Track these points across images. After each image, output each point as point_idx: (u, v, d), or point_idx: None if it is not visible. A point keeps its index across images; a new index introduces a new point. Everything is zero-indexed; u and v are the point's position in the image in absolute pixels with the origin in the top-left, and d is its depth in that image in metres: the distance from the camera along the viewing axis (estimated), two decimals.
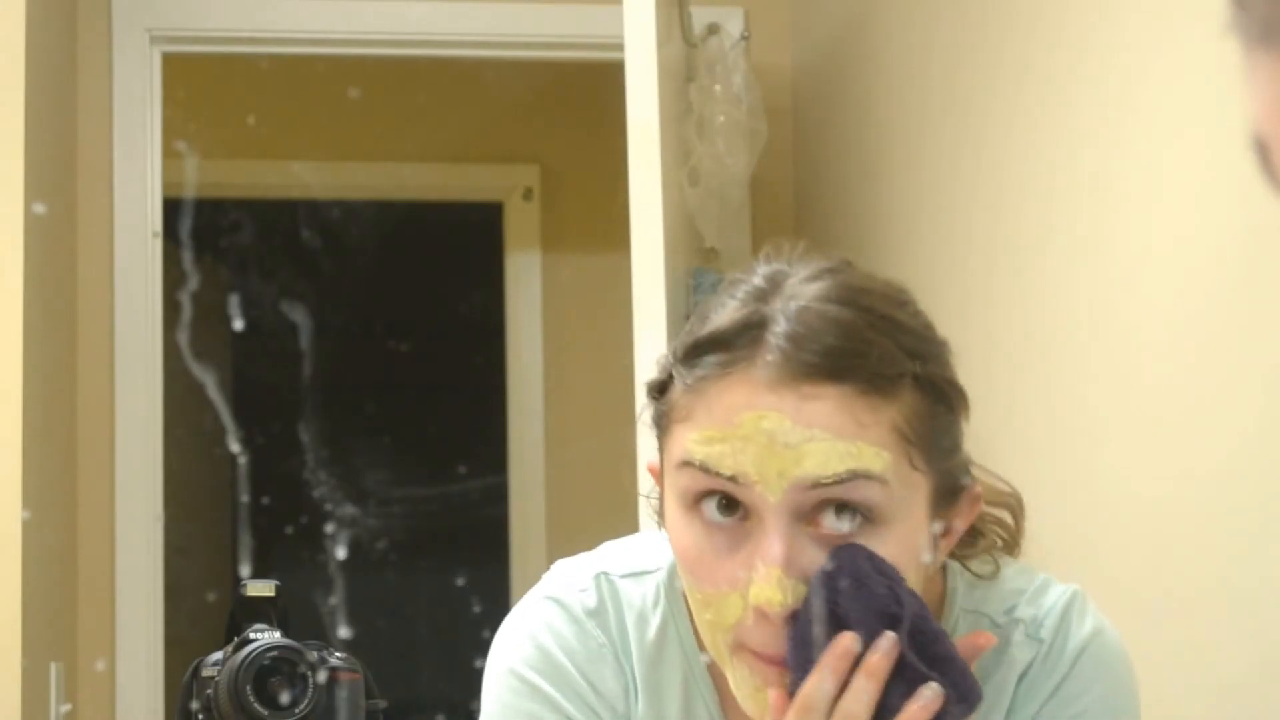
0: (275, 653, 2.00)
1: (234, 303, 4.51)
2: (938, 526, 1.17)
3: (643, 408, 1.23)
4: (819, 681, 1.10)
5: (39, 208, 2.73)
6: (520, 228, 4.33)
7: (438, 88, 4.20)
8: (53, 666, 2.81)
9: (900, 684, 1.11)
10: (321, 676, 2.01)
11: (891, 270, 1.43)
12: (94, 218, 3.20)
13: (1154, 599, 1.83)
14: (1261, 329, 1.67)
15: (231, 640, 2.05)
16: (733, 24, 3.27)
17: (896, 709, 1.10)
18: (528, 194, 4.32)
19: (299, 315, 4.18)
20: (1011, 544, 1.28)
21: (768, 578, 1.10)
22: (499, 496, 4.32)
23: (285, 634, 2.03)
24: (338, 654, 2.08)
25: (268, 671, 1.99)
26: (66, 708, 2.86)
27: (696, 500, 1.15)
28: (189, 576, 3.95)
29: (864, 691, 1.10)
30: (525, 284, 4.28)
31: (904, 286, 1.20)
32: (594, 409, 4.04)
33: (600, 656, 1.25)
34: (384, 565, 4.88)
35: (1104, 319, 2.01)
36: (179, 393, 3.38)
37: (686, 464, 1.14)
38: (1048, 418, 2.15)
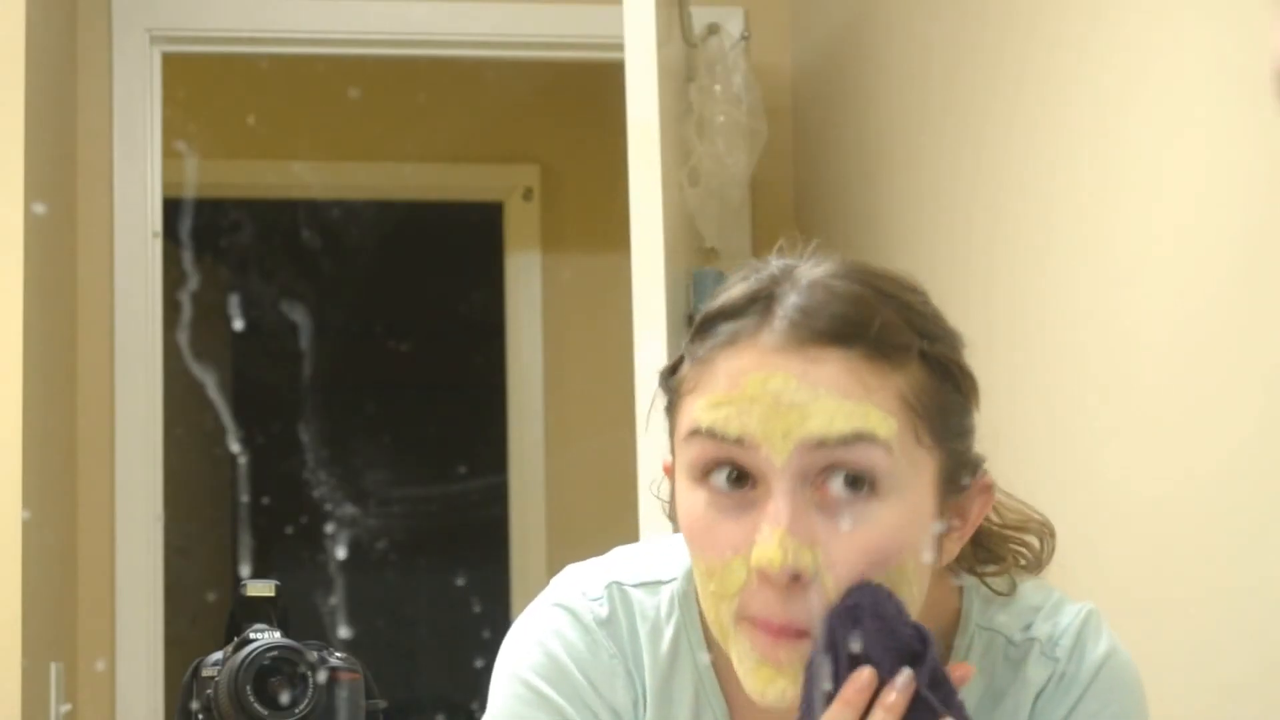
0: (275, 653, 2.00)
1: (234, 303, 4.51)
2: (939, 526, 1.17)
3: (652, 399, 1.23)
4: (839, 715, 1.10)
5: (39, 208, 2.73)
6: (520, 228, 4.33)
7: (438, 88, 4.20)
8: (53, 666, 2.81)
9: (916, 715, 1.11)
10: (321, 676, 2.01)
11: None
12: (94, 218, 3.20)
13: (1154, 599, 1.83)
14: (1261, 329, 1.67)
15: (231, 640, 2.05)
16: (733, 24, 3.27)
17: None
18: (528, 194, 4.32)
19: (299, 315, 4.18)
20: (1034, 566, 1.28)
21: (770, 537, 1.10)
22: (499, 496, 4.32)
23: (285, 634, 2.03)
24: (338, 654, 2.08)
25: (268, 671, 1.99)
26: (66, 708, 2.86)
27: (705, 471, 1.15)
28: (189, 576, 3.96)
29: None
30: (525, 284, 4.28)
31: (917, 281, 1.21)
32: (594, 409, 4.04)
33: (611, 668, 1.25)
34: (384, 565, 4.88)
35: (1104, 319, 2.01)
36: (179, 393, 3.38)
37: (694, 433, 1.15)
38: (1048, 418, 2.15)
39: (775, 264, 1.19)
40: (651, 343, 2.34)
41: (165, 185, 3.28)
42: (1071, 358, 2.10)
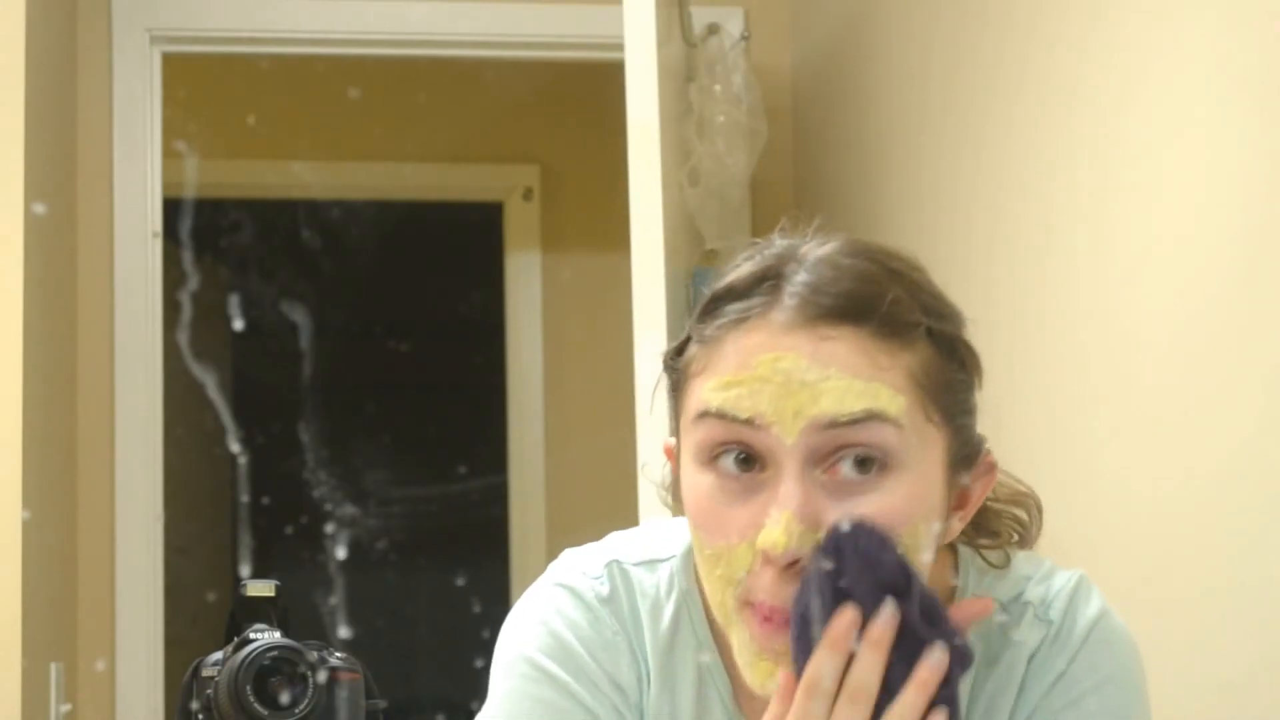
0: (275, 653, 2.00)
1: (234, 303, 4.52)
2: (936, 528, 1.16)
3: (655, 385, 1.23)
4: (823, 657, 1.10)
5: (39, 208, 2.73)
6: (520, 228, 4.33)
7: (438, 88, 4.20)
8: (53, 666, 2.81)
9: (906, 651, 1.11)
10: (321, 676, 2.01)
11: None
12: (94, 218, 3.20)
13: (1154, 599, 1.83)
14: (1261, 329, 1.67)
15: (231, 640, 2.05)
16: (733, 24, 3.27)
17: (904, 676, 1.10)
18: (528, 194, 4.32)
19: (299, 315, 4.18)
20: (1026, 540, 1.29)
21: (777, 521, 1.10)
22: (499, 496, 4.32)
23: (285, 634, 2.03)
24: (338, 654, 2.08)
25: (268, 671, 1.99)
26: (66, 708, 2.86)
27: (713, 454, 1.14)
28: (189, 576, 3.96)
29: (870, 662, 1.10)
30: (525, 284, 4.28)
31: (918, 259, 1.21)
32: (594, 409, 4.05)
33: (615, 645, 1.25)
34: (384, 565, 4.88)
35: (1104, 319, 2.01)
36: (179, 393, 3.38)
37: (703, 415, 1.14)
38: (1048, 418, 2.15)
39: (780, 243, 1.19)
40: (651, 343, 2.34)
41: (165, 185, 3.28)
42: (1071, 358, 2.10)
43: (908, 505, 1.12)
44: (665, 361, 1.21)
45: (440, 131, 4.33)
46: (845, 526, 1.10)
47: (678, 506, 1.22)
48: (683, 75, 3.03)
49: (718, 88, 3.08)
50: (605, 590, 1.26)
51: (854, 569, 1.10)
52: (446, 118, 4.31)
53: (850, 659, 1.10)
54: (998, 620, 1.24)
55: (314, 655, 2.02)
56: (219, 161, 4.22)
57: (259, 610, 2.08)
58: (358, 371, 5.01)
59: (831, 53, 3.20)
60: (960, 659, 1.12)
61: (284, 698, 1.98)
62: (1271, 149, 1.64)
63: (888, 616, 1.10)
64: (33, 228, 2.68)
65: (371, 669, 2.12)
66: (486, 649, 1.30)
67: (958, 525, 1.20)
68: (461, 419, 4.87)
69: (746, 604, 1.13)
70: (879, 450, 1.11)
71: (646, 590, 1.26)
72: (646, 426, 2.13)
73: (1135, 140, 1.94)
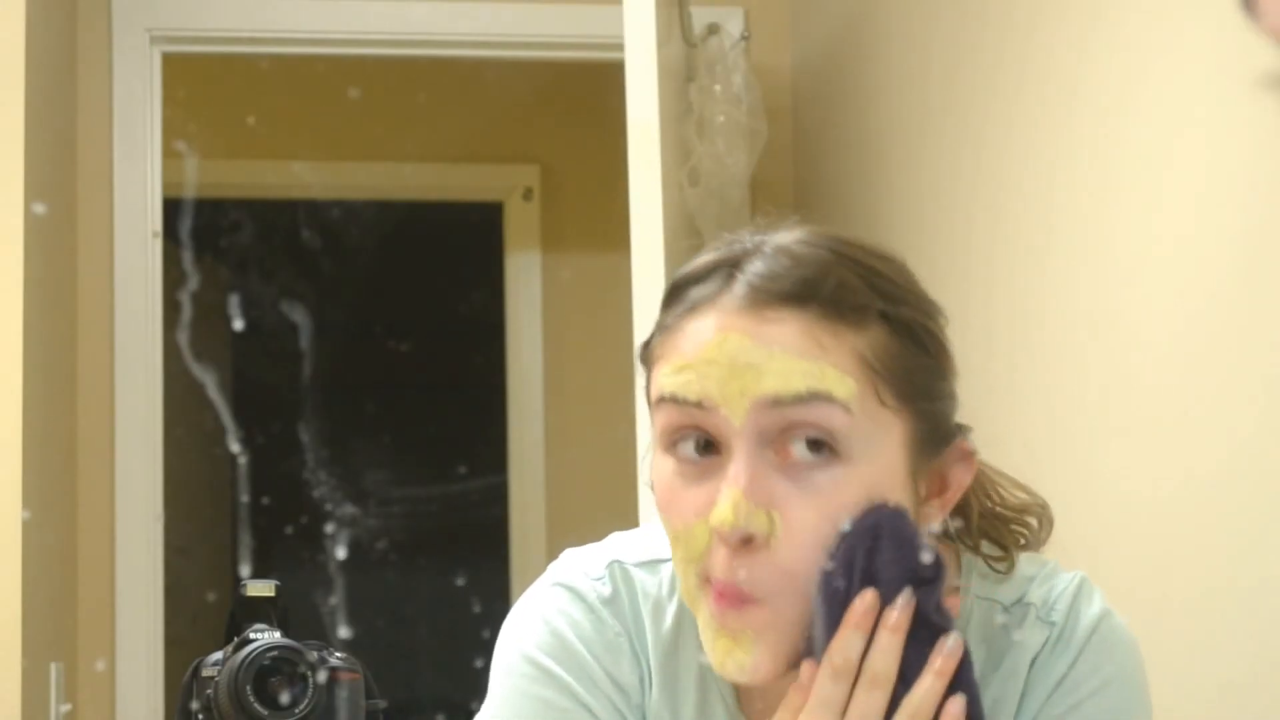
0: (275, 653, 2.00)
1: (234, 303, 4.51)
2: (911, 491, 1.16)
3: (640, 390, 1.24)
4: (849, 636, 1.11)
5: (39, 208, 2.73)
6: (520, 228, 4.33)
7: (438, 88, 4.20)
8: (53, 666, 2.81)
9: (922, 640, 1.12)
10: (321, 676, 2.01)
11: None
12: (94, 218, 3.20)
13: (1154, 599, 1.83)
14: (1262, 329, 1.67)
15: (231, 640, 2.05)
16: (733, 24, 3.27)
17: (920, 665, 1.11)
18: (528, 194, 4.33)
19: (299, 315, 4.18)
20: (1032, 546, 1.29)
21: (726, 498, 1.11)
22: (499, 496, 4.32)
23: (285, 634, 2.03)
24: (338, 654, 2.08)
25: (268, 671, 1.99)
26: (66, 708, 2.86)
27: (673, 440, 1.16)
28: (189, 576, 3.96)
29: (889, 646, 1.11)
30: (525, 284, 4.28)
31: (899, 256, 1.21)
32: (594, 409, 4.05)
33: (616, 645, 1.25)
34: (384, 565, 4.88)
35: (1104, 319, 2.01)
36: (179, 393, 3.38)
37: (660, 400, 1.16)
38: (1048, 418, 2.15)
39: (748, 236, 1.20)
40: None
41: (165, 185, 3.28)
42: (1071, 358, 2.10)
43: (862, 489, 1.12)
44: (639, 356, 1.22)
45: (440, 131, 4.33)
46: (879, 520, 1.11)
47: None
48: (683, 75, 3.03)
49: (718, 88, 3.08)
50: (607, 591, 1.26)
51: (886, 554, 1.11)
52: (446, 118, 4.31)
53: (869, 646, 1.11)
54: (1000, 622, 1.24)
55: (314, 655, 2.02)
56: (219, 161, 4.22)
57: (259, 610, 2.08)
58: (358, 371, 5.01)
59: (831, 53, 3.20)
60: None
61: (284, 698, 1.98)
62: (1271, 149, 1.64)
63: (904, 602, 1.11)
64: (33, 228, 2.68)
65: (371, 669, 2.12)
66: (486, 649, 1.29)
67: (937, 513, 1.19)
68: (461, 419, 4.87)
69: (705, 581, 1.14)
70: (828, 433, 1.12)
71: (648, 591, 1.26)
72: (646, 426, 2.13)
73: (1135, 140, 1.94)
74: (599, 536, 1.33)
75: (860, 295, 1.14)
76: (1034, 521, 1.28)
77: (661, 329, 1.19)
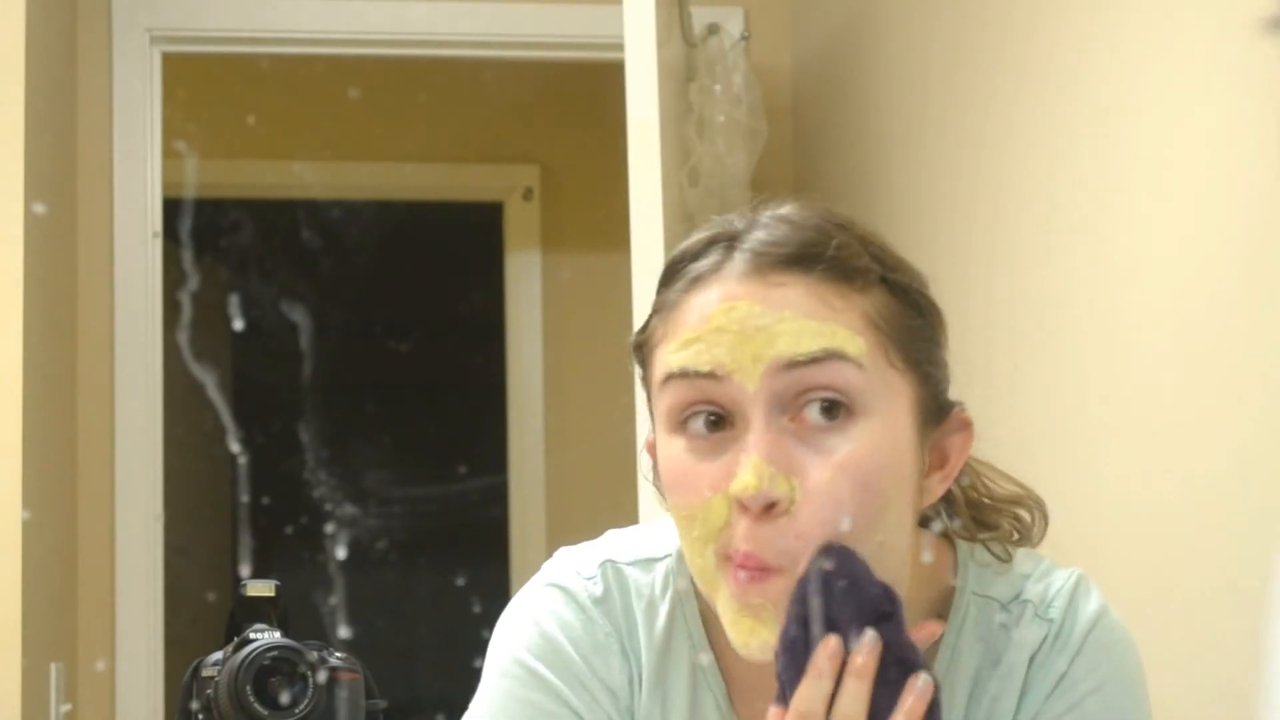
0: (275, 653, 2.00)
1: (234, 303, 4.51)
2: (913, 482, 1.16)
3: (639, 384, 1.23)
4: (813, 684, 1.10)
5: (39, 208, 2.73)
6: (520, 228, 4.33)
7: (438, 88, 4.20)
8: (53, 666, 2.81)
9: (891, 677, 1.11)
10: (321, 676, 2.01)
11: None
12: (94, 218, 3.20)
13: (1154, 599, 1.83)
14: (1263, 329, 1.67)
15: (231, 640, 2.05)
16: (733, 24, 3.27)
17: (890, 703, 1.10)
18: (528, 194, 4.33)
19: (299, 315, 4.18)
20: (1025, 540, 1.29)
21: (747, 465, 1.10)
22: (499, 496, 4.32)
23: (285, 634, 2.03)
24: (338, 654, 2.08)
25: (268, 671, 1.99)
26: (66, 708, 2.86)
27: (683, 417, 1.15)
28: (189, 576, 3.96)
29: (856, 692, 1.10)
30: (525, 284, 4.28)
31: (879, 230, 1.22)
32: (594, 409, 4.04)
33: (606, 646, 1.24)
34: (384, 565, 4.88)
35: (1104, 319, 2.01)
36: (179, 393, 3.38)
37: (668, 378, 1.15)
38: (1047, 419, 2.15)
39: (739, 216, 1.21)
40: None
41: (165, 185, 3.28)
42: (1071, 358, 2.10)
43: (878, 452, 1.12)
44: (632, 350, 1.22)
45: (440, 131, 4.33)
46: (827, 561, 1.10)
47: (665, 499, 1.22)
48: (683, 75, 3.03)
49: (718, 88, 3.08)
50: (599, 590, 1.26)
51: (840, 595, 1.10)
52: (446, 118, 4.31)
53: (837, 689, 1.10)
54: (999, 621, 1.24)
55: (314, 655, 2.02)
56: (219, 161, 4.22)
57: (259, 610, 2.08)
58: (358, 371, 5.00)
59: (831, 53, 3.20)
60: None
61: (284, 698, 1.98)
62: (1272, 149, 1.63)
63: (869, 645, 1.10)
64: (33, 228, 2.68)
65: (371, 669, 2.12)
66: (486, 649, 1.29)
67: (939, 487, 1.20)
68: (461, 419, 4.87)
69: (726, 558, 1.13)
70: (843, 392, 1.12)
71: (642, 590, 1.26)
72: (646, 426, 2.13)
73: (1135, 140, 1.94)
74: (599, 536, 1.33)
75: (861, 258, 1.15)
76: (1025, 515, 1.29)
77: (661, 309, 1.18)
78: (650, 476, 1.27)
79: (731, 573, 1.13)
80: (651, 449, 1.23)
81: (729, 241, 1.17)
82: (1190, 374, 1.80)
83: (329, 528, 4.58)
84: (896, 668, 1.11)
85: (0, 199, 2.62)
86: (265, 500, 4.15)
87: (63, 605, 3.01)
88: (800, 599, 1.10)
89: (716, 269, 1.16)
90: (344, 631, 2.23)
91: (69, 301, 3.14)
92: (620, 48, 2.47)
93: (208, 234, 4.48)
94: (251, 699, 1.97)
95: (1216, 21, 1.75)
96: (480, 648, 1.30)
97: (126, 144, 3.23)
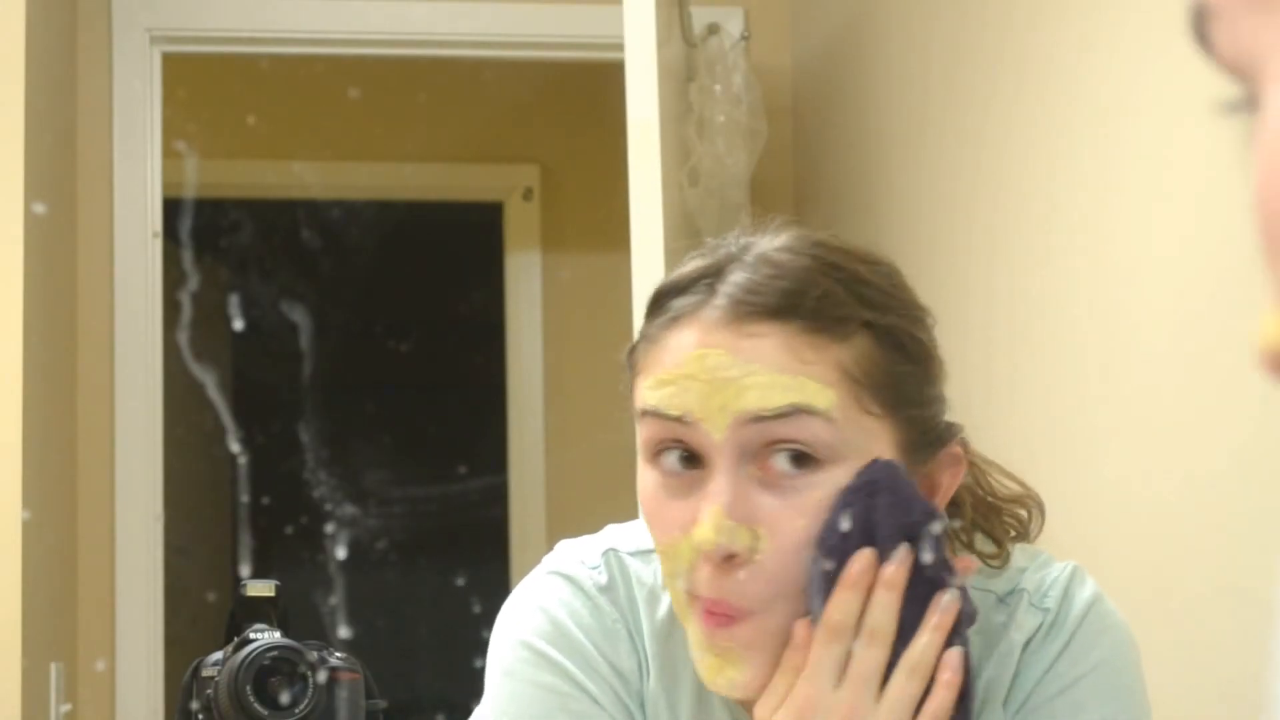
0: (275, 653, 2.00)
1: (234, 303, 4.52)
2: None
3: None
4: (843, 596, 1.11)
5: (39, 208, 2.73)
6: (520, 228, 4.33)
7: (438, 88, 4.20)
8: (53, 666, 2.81)
9: (919, 595, 1.12)
10: (321, 676, 2.01)
11: None
12: (94, 218, 3.20)
13: (1154, 599, 1.83)
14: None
15: (231, 640, 2.05)
16: (733, 24, 3.27)
17: (918, 620, 1.12)
18: (528, 194, 4.32)
19: (299, 315, 4.18)
20: (1022, 537, 1.29)
21: (708, 516, 1.11)
22: (499, 496, 4.32)
23: (285, 634, 2.03)
24: (338, 654, 2.08)
25: (268, 671, 1.99)
26: (66, 708, 2.86)
27: (656, 452, 1.16)
28: (189, 576, 3.96)
29: (886, 603, 1.11)
30: (525, 284, 4.28)
31: (887, 259, 1.21)
32: (594, 409, 4.04)
33: (615, 632, 1.25)
34: (384, 565, 4.88)
35: (1104, 319, 2.01)
36: (179, 393, 3.38)
37: (643, 413, 1.16)
38: (1048, 419, 2.15)
39: (733, 241, 1.20)
40: None
41: (165, 185, 3.28)
42: (1071, 358, 2.10)
43: None
44: (624, 361, 1.22)
45: (440, 131, 4.33)
46: (872, 475, 1.11)
47: None
48: (683, 75, 3.03)
49: (718, 88, 3.08)
50: (603, 579, 1.26)
51: (882, 509, 1.11)
52: (446, 118, 4.31)
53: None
54: (998, 619, 1.24)
55: (314, 655, 2.02)
56: (219, 161, 4.22)
57: (259, 610, 2.08)
58: (358, 371, 5.00)
59: (831, 53, 3.20)
60: (969, 613, 1.14)
61: (284, 698, 1.98)
62: None
63: (900, 559, 1.11)
64: (33, 228, 2.68)
65: (371, 669, 2.12)
66: (486, 649, 1.29)
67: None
68: (461, 419, 4.87)
69: (694, 598, 1.14)
70: (809, 445, 1.12)
71: (644, 579, 1.26)
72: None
73: (1135, 140, 1.94)
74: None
75: (844, 306, 1.14)
76: (1024, 513, 1.29)
77: (645, 339, 1.19)
78: None
79: (697, 615, 1.14)
80: None
81: (713, 280, 1.16)
82: (1190, 374, 1.80)
83: (329, 528, 4.58)
84: (924, 585, 1.12)
85: (0, 199, 2.62)
86: (265, 500, 4.14)
87: (63, 605, 3.01)
88: (841, 509, 1.11)
89: (696, 311, 1.15)
90: (344, 631, 2.23)
91: (69, 301, 3.14)
92: (620, 48, 2.47)
93: (208, 234, 4.48)
94: (251, 699, 1.97)
95: None
96: (480, 648, 1.30)
97: (126, 144, 3.23)
